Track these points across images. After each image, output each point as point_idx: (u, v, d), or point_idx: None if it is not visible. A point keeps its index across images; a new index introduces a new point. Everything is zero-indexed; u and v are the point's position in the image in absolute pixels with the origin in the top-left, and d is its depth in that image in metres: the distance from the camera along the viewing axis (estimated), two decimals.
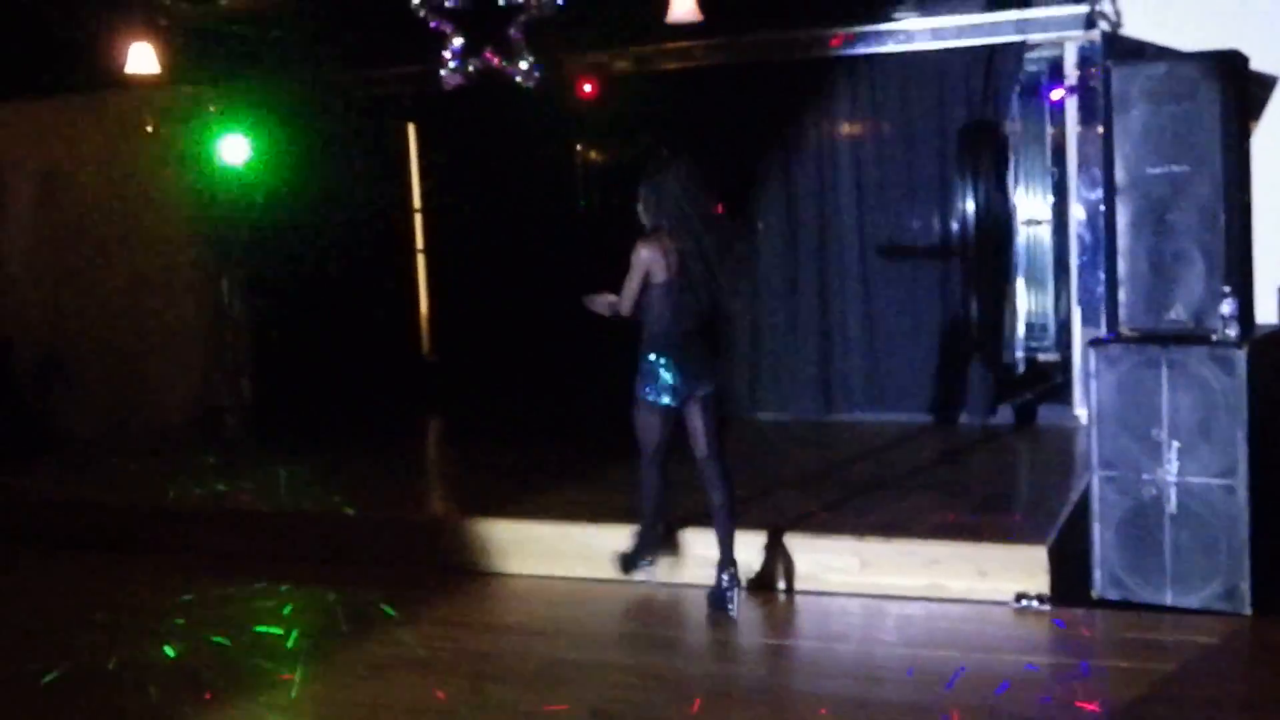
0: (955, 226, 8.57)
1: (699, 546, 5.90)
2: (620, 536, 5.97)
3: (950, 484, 6.90)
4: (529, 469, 7.72)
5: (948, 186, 8.54)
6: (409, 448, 9.21)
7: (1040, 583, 5.45)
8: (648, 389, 5.45)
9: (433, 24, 7.13)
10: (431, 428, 10.04)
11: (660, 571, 5.97)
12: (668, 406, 5.47)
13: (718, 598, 5.54)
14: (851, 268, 8.80)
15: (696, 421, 5.53)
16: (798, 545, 5.85)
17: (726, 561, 5.54)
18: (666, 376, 5.41)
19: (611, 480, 6.99)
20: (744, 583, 5.69)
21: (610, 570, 5.97)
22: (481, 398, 9.73)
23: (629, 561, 5.94)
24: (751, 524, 5.94)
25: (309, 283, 10.14)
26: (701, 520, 5.82)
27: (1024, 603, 5.42)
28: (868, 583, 5.70)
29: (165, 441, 9.50)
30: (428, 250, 10.18)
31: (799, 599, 5.76)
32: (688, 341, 5.46)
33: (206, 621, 5.78)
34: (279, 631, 5.62)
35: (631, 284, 5.38)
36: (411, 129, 10.17)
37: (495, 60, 7.17)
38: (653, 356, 5.43)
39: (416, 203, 10.21)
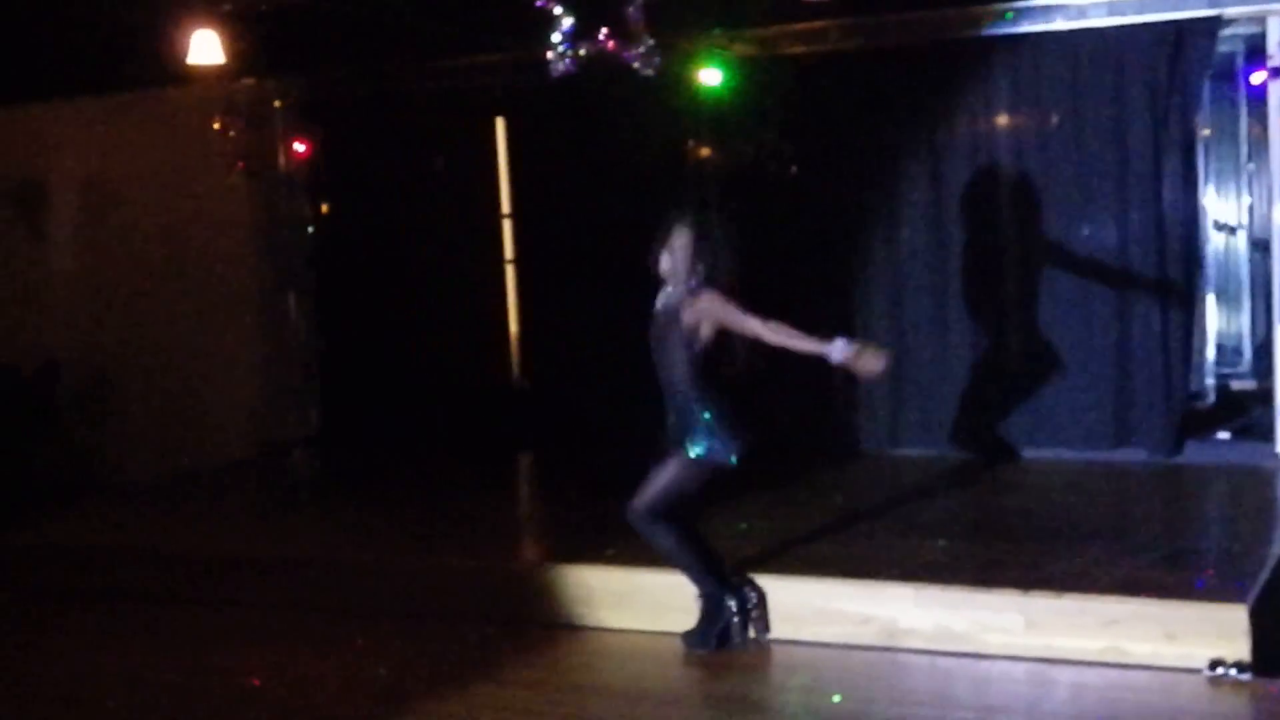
0: (1134, 233, 8.50)
1: (804, 596, 5.99)
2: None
3: (1130, 531, 6.84)
4: None
5: (1125, 187, 8.49)
6: (496, 486, 9.34)
7: (1239, 648, 5.37)
8: (714, 447, 5.77)
9: (539, 2, 7.23)
10: (522, 463, 10.17)
11: (784, 630, 6.01)
12: (725, 465, 5.80)
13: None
14: (1010, 281, 8.78)
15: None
16: (949, 600, 5.85)
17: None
18: (729, 431, 5.76)
19: (728, 519, 7.05)
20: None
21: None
22: (579, 429, 9.81)
23: (702, 636, 5.98)
24: (893, 575, 5.98)
25: (384, 301, 10.35)
26: (805, 566, 6.02)
27: (1220, 671, 5.35)
28: (1034, 645, 5.66)
29: (224, 480, 9.76)
30: (518, 261, 10.30)
31: (950, 663, 5.72)
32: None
33: (281, 681, 5.93)
34: (355, 694, 5.75)
35: (740, 316, 5.70)
36: (500, 125, 10.32)
37: (611, 44, 7.25)
38: (712, 413, 5.79)
39: (506, 208, 10.35)
